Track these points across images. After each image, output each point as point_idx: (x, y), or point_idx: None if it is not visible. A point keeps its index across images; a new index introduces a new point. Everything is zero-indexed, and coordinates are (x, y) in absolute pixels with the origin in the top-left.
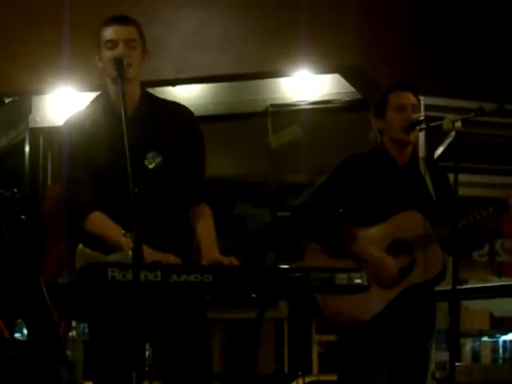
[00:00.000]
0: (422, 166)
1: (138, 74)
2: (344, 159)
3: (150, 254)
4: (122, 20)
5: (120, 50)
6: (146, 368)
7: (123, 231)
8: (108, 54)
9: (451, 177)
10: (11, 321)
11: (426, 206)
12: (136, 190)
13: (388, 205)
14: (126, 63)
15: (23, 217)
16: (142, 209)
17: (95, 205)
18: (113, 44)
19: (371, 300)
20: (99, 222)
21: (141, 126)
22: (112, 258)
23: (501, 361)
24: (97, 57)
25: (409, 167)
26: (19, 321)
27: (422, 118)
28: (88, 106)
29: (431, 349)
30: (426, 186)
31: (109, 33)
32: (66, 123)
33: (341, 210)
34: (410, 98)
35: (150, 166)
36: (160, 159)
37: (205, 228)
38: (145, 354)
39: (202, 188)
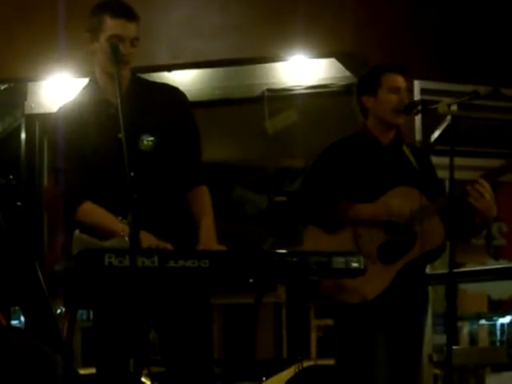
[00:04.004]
0: (405, 148)
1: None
2: (327, 146)
3: (146, 239)
4: (131, 15)
5: (127, 48)
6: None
7: (120, 217)
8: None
9: (447, 160)
10: (8, 308)
11: (416, 182)
12: (132, 174)
13: (378, 185)
14: (126, 61)
15: (19, 203)
16: (138, 193)
17: (86, 195)
18: (119, 40)
19: (376, 277)
20: (91, 211)
21: (132, 109)
22: (109, 243)
23: (498, 344)
24: (88, 36)
25: (392, 147)
26: (16, 308)
27: (417, 101)
28: (78, 95)
29: (424, 330)
30: (412, 163)
31: (116, 27)
32: (56, 113)
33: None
34: (403, 81)
35: (145, 150)
36: (154, 142)
37: (201, 212)
38: (147, 339)
39: (199, 169)
